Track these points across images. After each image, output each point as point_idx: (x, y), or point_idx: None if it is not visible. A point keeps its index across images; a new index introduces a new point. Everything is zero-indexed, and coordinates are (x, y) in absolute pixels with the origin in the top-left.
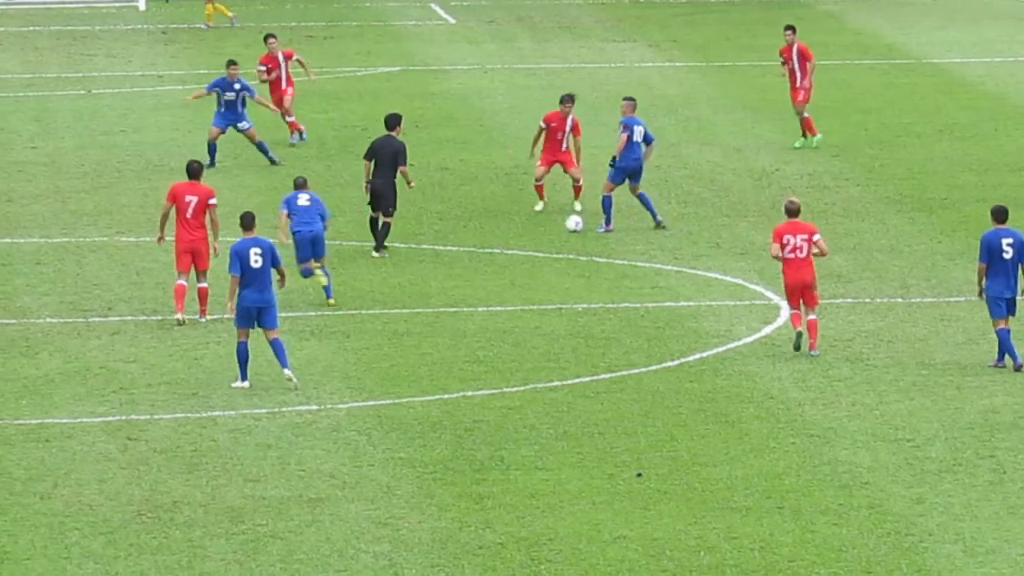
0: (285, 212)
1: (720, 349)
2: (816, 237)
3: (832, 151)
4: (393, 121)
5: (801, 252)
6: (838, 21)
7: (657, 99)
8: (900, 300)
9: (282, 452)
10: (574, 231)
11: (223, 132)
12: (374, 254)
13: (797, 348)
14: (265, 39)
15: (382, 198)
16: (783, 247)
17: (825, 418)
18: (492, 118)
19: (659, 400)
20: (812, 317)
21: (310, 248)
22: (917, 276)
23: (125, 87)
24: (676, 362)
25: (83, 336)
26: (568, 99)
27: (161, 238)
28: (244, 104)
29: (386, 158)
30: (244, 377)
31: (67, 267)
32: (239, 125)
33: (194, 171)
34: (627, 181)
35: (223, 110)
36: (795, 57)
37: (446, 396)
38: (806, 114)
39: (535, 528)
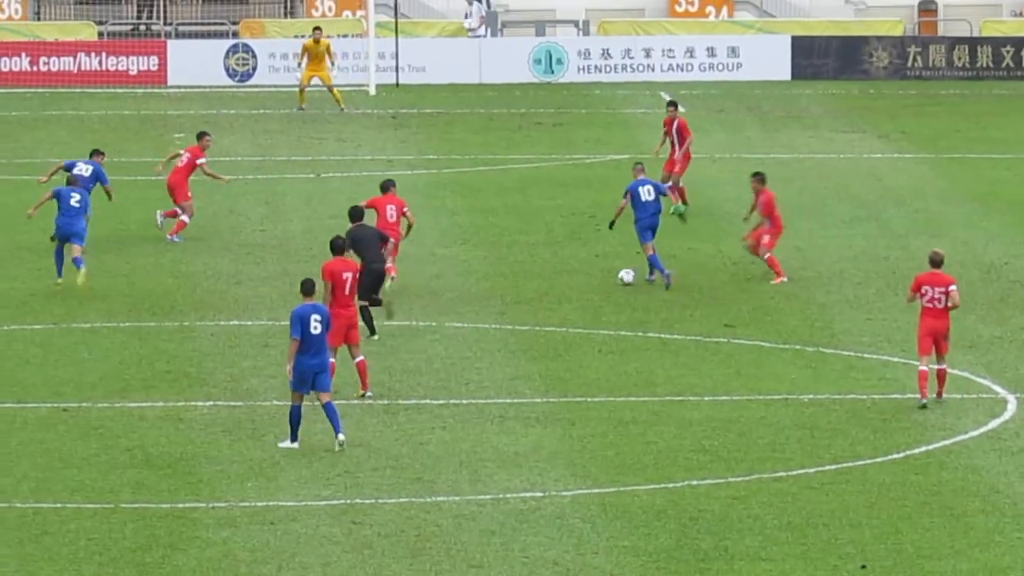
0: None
1: (946, 442)
2: (952, 288)
3: None
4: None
5: (939, 303)
6: None
7: (886, 191)
8: None
9: (506, 538)
10: (628, 283)
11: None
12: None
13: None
14: (199, 136)
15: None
16: (921, 296)
17: None
18: (720, 207)
19: (884, 492)
20: (943, 367)
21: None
22: None
23: (354, 171)
24: (902, 454)
25: (308, 419)
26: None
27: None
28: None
29: (374, 242)
30: (295, 439)
31: None
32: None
33: (339, 247)
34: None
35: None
36: (675, 131)
37: (671, 485)
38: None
39: None
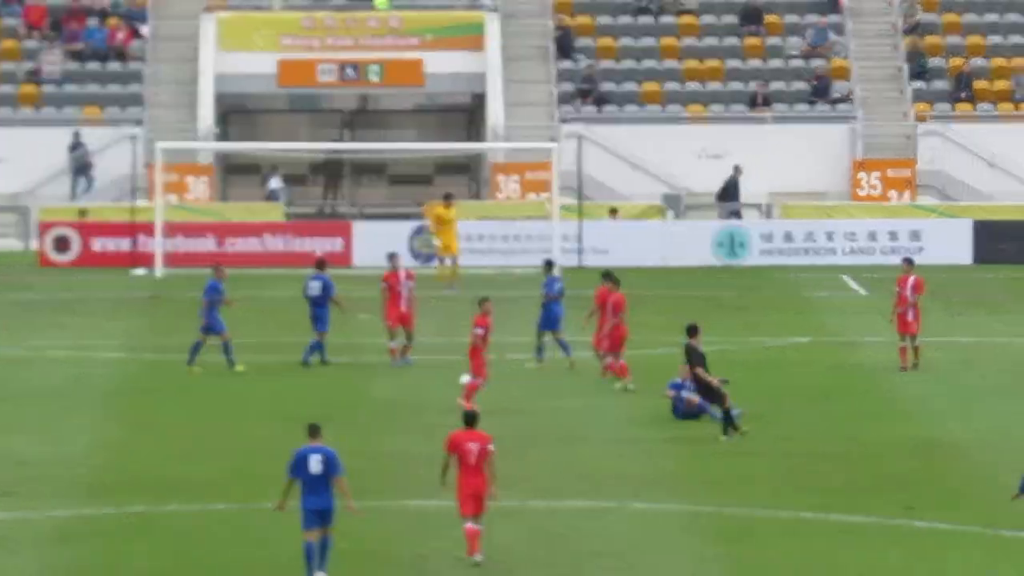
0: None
1: None
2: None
3: None
4: None
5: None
6: None
7: None
8: None
9: None
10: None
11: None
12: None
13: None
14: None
15: None
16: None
17: None
18: (902, 391)
19: None
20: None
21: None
22: None
23: None
24: None
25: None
26: None
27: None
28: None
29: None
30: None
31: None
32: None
33: (471, 419)
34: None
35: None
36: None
37: None
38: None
39: None
